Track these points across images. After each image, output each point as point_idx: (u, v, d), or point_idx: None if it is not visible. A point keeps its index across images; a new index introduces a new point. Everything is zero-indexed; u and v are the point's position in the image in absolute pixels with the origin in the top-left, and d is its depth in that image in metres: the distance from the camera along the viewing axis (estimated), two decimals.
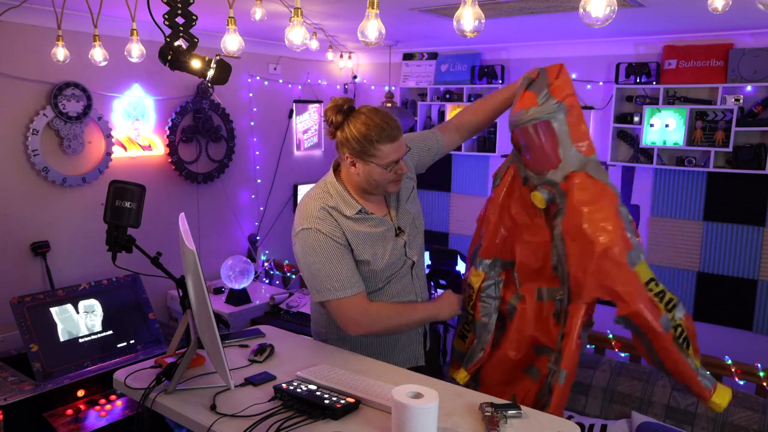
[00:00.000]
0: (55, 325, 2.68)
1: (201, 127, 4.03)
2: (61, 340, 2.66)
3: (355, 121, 1.76)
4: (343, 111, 1.79)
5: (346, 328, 1.83)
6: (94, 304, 2.84)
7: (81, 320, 2.77)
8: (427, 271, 2.54)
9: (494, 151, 4.37)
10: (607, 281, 1.72)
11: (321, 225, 1.78)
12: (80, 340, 2.72)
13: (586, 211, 1.76)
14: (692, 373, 1.72)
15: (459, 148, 4.52)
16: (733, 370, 2.51)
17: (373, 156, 1.75)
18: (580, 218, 1.77)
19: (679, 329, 1.73)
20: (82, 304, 2.80)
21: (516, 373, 2.03)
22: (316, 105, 5.00)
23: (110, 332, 2.83)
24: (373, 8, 1.50)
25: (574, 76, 4.17)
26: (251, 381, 1.63)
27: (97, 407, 2.55)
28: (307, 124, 4.95)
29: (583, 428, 2.40)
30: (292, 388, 1.52)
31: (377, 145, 1.74)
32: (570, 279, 1.82)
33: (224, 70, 2.06)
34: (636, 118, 3.84)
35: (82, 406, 2.53)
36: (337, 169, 1.91)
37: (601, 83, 4.09)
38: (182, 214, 1.70)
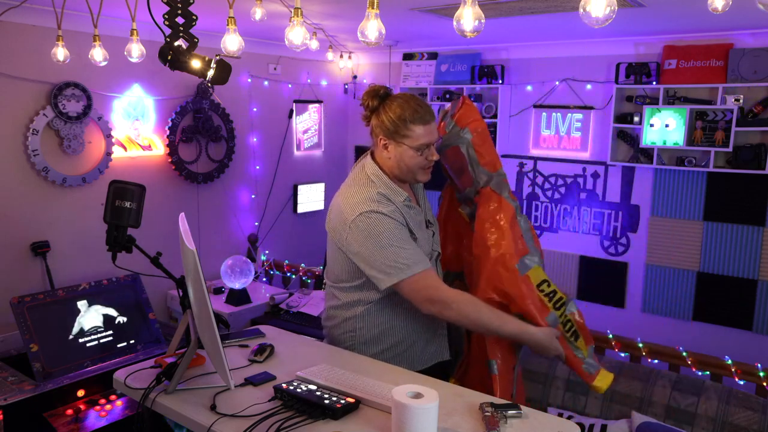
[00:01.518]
0: (55, 325, 2.68)
1: (201, 127, 4.03)
2: (61, 340, 2.66)
3: (390, 103, 1.84)
4: (379, 96, 1.86)
5: (420, 306, 1.79)
6: (94, 304, 2.84)
7: (81, 320, 2.77)
8: None
9: None
10: (499, 284, 1.93)
11: (381, 207, 1.78)
12: (80, 340, 2.72)
13: (485, 220, 2.00)
14: (577, 361, 1.98)
15: None
16: (733, 370, 2.51)
17: (406, 137, 1.81)
18: (480, 227, 2.00)
19: (569, 324, 1.98)
20: (82, 304, 2.80)
21: (486, 371, 2.07)
22: (316, 105, 5.00)
23: (110, 332, 2.83)
24: (373, 8, 1.50)
25: (573, 76, 4.18)
26: (251, 381, 1.63)
27: (97, 407, 2.55)
28: (307, 124, 4.95)
29: (583, 428, 2.40)
30: (292, 388, 1.52)
31: (410, 126, 1.80)
32: (466, 278, 2.10)
33: (224, 70, 2.06)
34: (636, 118, 3.84)
35: (82, 406, 2.53)
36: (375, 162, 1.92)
37: (601, 83, 4.09)
38: (182, 214, 1.70)
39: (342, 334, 1.96)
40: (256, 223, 4.63)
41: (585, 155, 4.22)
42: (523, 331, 1.85)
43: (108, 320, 2.84)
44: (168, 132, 3.86)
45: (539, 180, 4.45)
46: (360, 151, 4.67)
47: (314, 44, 3.28)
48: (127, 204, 1.81)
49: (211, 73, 2.03)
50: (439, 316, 1.81)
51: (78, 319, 2.76)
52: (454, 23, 1.36)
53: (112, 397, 2.61)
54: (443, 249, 2.15)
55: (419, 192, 2.05)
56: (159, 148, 3.85)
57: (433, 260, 1.97)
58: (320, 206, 5.08)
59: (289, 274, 4.31)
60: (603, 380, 1.98)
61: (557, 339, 1.90)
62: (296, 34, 1.77)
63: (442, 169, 2.17)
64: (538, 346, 1.87)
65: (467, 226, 2.15)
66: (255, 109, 4.49)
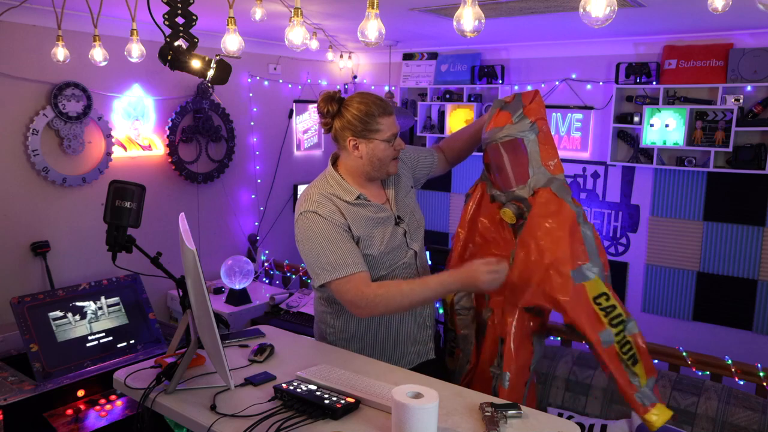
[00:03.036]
0: (55, 325, 2.68)
1: (201, 127, 4.03)
2: (61, 340, 2.66)
3: (350, 103, 1.84)
4: (336, 99, 1.87)
5: (350, 310, 1.82)
6: (94, 304, 2.83)
7: (81, 320, 2.77)
8: None
9: None
10: (550, 290, 1.81)
11: (319, 208, 1.81)
12: (80, 340, 2.72)
13: (543, 223, 1.86)
14: (629, 387, 1.81)
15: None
16: (733, 370, 2.51)
17: (376, 131, 1.81)
18: (536, 229, 1.87)
19: (627, 346, 1.82)
20: (82, 304, 2.80)
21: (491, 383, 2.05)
22: (316, 105, 4.99)
23: (110, 332, 2.83)
24: (373, 8, 1.50)
25: (573, 75, 4.18)
26: (251, 381, 1.63)
27: (97, 407, 2.55)
28: (307, 124, 4.95)
29: (583, 428, 2.40)
30: (292, 388, 1.52)
31: (378, 119, 1.81)
32: (506, 286, 1.86)
33: (224, 70, 2.06)
34: (636, 118, 3.84)
35: (82, 406, 2.53)
36: (335, 164, 1.96)
37: (601, 83, 4.09)
38: (182, 214, 1.70)
39: (324, 329, 2.00)
40: (256, 223, 4.63)
41: (585, 155, 4.22)
42: (443, 283, 1.78)
43: (108, 320, 2.84)
44: (168, 132, 3.86)
45: None
46: None
47: (314, 44, 3.28)
48: (127, 204, 1.81)
49: (211, 73, 2.03)
50: (371, 315, 1.80)
51: (78, 319, 2.75)
52: (454, 23, 1.36)
53: (112, 397, 2.61)
54: (464, 250, 2.07)
55: (395, 189, 1.99)
56: (159, 148, 3.85)
57: (409, 257, 1.93)
58: None
59: (289, 274, 4.31)
60: (660, 416, 1.82)
61: (497, 272, 1.75)
62: (296, 34, 1.77)
63: (485, 164, 2.06)
64: (467, 287, 1.84)
65: (498, 228, 2.01)
66: (255, 109, 4.49)
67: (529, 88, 4.36)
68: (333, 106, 1.86)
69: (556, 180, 1.93)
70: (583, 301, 1.80)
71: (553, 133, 4.31)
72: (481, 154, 2.12)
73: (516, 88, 4.44)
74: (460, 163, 2.29)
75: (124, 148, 3.67)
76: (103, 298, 2.87)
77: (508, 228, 2.01)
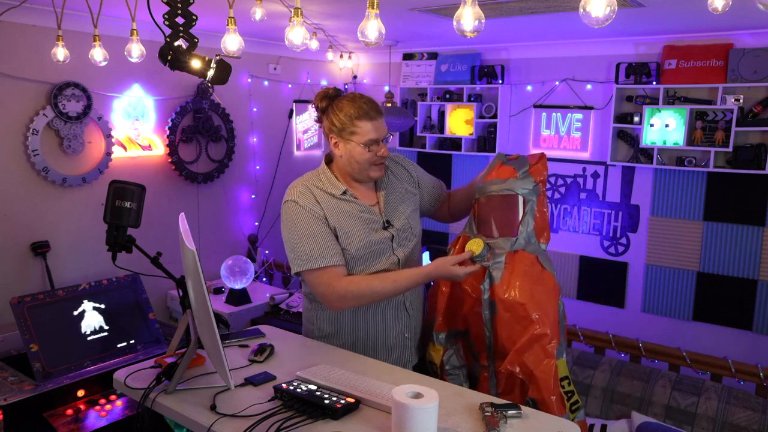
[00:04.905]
0: (55, 325, 2.67)
1: (201, 127, 4.03)
2: (61, 340, 2.66)
3: (338, 102, 1.89)
4: (329, 96, 1.91)
5: (323, 303, 1.87)
6: (94, 304, 2.83)
7: (81, 320, 2.77)
8: None
9: (494, 151, 4.37)
10: (529, 362, 1.78)
11: (299, 198, 1.86)
12: (80, 340, 2.72)
13: (532, 293, 1.82)
14: None
15: (458, 148, 4.53)
16: (733, 370, 2.51)
17: (354, 134, 1.85)
18: (523, 296, 1.81)
19: None
20: (82, 304, 2.80)
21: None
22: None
23: (110, 332, 2.83)
24: (373, 8, 1.50)
25: (573, 76, 4.18)
26: (251, 381, 1.63)
27: (97, 407, 2.55)
28: (307, 124, 4.95)
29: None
30: (292, 388, 1.52)
31: (356, 122, 1.84)
32: (497, 343, 1.88)
33: (224, 70, 2.06)
34: (636, 118, 3.84)
35: (82, 406, 2.53)
36: (329, 163, 1.99)
37: (601, 83, 4.09)
38: (182, 214, 1.70)
39: (307, 326, 2.04)
40: (256, 223, 4.63)
41: (585, 155, 4.22)
42: (412, 278, 1.82)
43: (108, 320, 2.84)
44: (168, 132, 3.86)
45: None
46: None
47: (314, 44, 3.28)
48: (127, 204, 1.81)
49: (211, 73, 2.03)
50: (343, 308, 1.85)
51: (78, 319, 2.75)
52: (454, 23, 1.36)
53: (112, 397, 2.61)
54: (449, 307, 2.01)
55: (389, 193, 1.98)
56: (159, 148, 3.85)
57: (391, 263, 1.92)
58: None
59: (289, 274, 4.31)
60: None
61: (451, 265, 1.80)
62: (296, 34, 1.77)
63: (473, 217, 2.00)
64: (441, 277, 1.87)
65: (480, 288, 1.91)
66: (255, 109, 4.49)
67: (529, 88, 4.38)
68: (323, 102, 1.91)
69: (542, 251, 1.93)
70: (555, 381, 1.77)
71: (553, 133, 4.33)
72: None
73: (516, 88, 4.44)
74: (461, 218, 2.23)
75: (124, 148, 3.67)
76: (103, 298, 2.87)
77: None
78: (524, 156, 1.99)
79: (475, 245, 1.86)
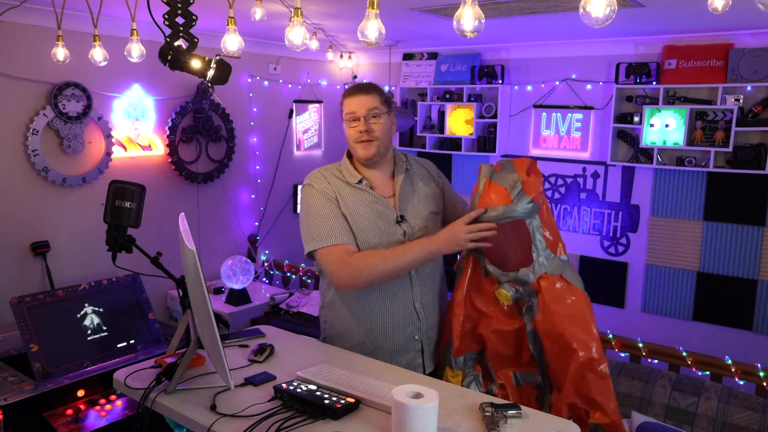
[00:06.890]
0: (55, 325, 2.67)
1: (201, 127, 4.03)
2: (61, 340, 2.66)
3: None
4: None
5: (331, 281, 1.89)
6: (94, 304, 2.83)
7: (81, 320, 2.76)
8: None
9: (494, 151, 4.37)
10: (586, 390, 1.73)
11: (314, 182, 1.94)
12: (80, 340, 2.72)
13: (566, 318, 1.77)
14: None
15: (458, 148, 4.53)
16: (733, 370, 2.51)
17: (342, 112, 1.93)
18: (560, 323, 1.77)
19: None
20: (82, 304, 2.80)
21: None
22: (316, 105, 5.00)
23: (110, 332, 2.83)
24: (373, 8, 1.50)
25: (573, 76, 4.18)
26: (251, 381, 1.63)
27: (97, 407, 2.55)
28: (307, 124, 4.95)
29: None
30: (292, 388, 1.51)
31: (343, 101, 1.92)
32: (550, 372, 1.84)
33: (224, 70, 2.06)
34: (636, 118, 3.84)
35: (82, 406, 2.53)
36: (351, 156, 2.02)
37: (601, 83, 4.09)
38: (182, 214, 1.70)
39: (323, 324, 2.05)
40: (256, 223, 4.63)
41: (585, 155, 4.22)
42: (425, 249, 1.79)
43: (108, 320, 2.84)
44: (168, 132, 3.86)
45: None
46: None
47: (314, 44, 3.28)
48: (127, 204, 1.81)
49: (211, 73, 2.03)
50: (356, 286, 1.83)
51: (78, 319, 2.75)
52: (454, 23, 1.36)
53: (112, 397, 2.61)
54: (463, 329, 1.92)
55: (405, 189, 1.97)
56: (159, 148, 3.85)
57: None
58: None
59: (289, 274, 4.31)
60: None
61: (462, 232, 1.75)
62: (296, 34, 1.77)
63: (485, 250, 1.85)
64: (450, 246, 1.80)
65: (497, 302, 1.87)
66: (255, 109, 4.49)
67: (529, 88, 4.38)
68: None
69: (565, 264, 1.83)
70: (616, 401, 1.73)
71: (553, 133, 4.33)
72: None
73: (516, 88, 4.44)
74: None
75: (124, 148, 3.66)
76: (103, 298, 2.87)
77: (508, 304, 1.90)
78: (511, 165, 1.82)
79: (503, 297, 1.82)
